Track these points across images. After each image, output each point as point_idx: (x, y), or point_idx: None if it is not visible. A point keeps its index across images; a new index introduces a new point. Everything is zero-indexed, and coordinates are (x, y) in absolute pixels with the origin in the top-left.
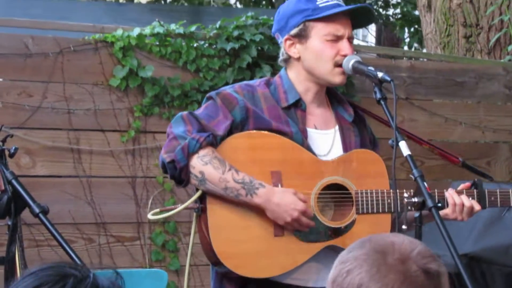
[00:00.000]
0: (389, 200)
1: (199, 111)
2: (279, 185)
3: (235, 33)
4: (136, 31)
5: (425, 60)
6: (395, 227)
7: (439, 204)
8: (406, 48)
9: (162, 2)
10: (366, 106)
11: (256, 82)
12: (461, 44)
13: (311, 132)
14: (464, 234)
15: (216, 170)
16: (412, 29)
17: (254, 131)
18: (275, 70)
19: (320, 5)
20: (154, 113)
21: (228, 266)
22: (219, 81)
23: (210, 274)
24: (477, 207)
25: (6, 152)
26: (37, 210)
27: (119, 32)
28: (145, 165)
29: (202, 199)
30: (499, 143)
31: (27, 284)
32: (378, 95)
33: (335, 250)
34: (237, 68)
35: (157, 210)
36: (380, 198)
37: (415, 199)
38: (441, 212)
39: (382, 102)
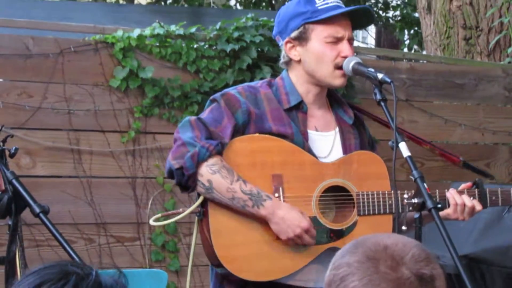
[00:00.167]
0: (390, 202)
1: (204, 115)
2: (280, 188)
3: (235, 34)
4: (136, 32)
5: (424, 62)
6: (395, 228)
7: (439, 205)
8: (406, 50)
9: (163, 3)
10: (366, 107)
11: (258, 83)
12: (460, 46)
13: (312, 134)
14: (464, 235)
15: (224, 180)
16: (412, 31)
17: (255, 134)
18: (275, 72)
19: (319, 7)
20: (154, 114)
21: (230, 270)
22: (219, 82)
23: (210, 275)
24: (478, 207)
25: (7, 152)
26: (37, 210)
27: (120, 33)
28: (145, 165)
29: (203, 203)
30: (499, 144)
31: (29, 282)
32: (378, 97)
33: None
34: (237, 70)
35: (159, 215)
36: (381, 199)
37: (415, 200)
38: (443, 212)
39: (382, 104)
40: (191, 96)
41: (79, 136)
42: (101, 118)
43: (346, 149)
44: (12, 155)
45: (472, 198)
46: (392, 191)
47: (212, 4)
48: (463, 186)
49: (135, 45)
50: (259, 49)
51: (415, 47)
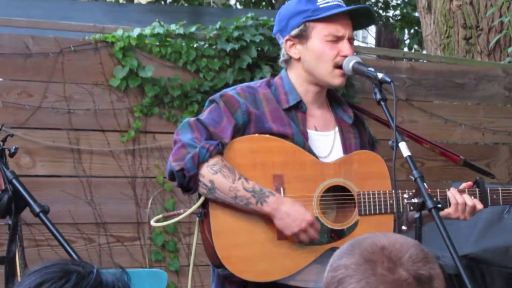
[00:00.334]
0: (391, 201)
1: (203, 116)
2: (281, 189)
3: (235, 33)
4: (136, 31)
5: (425, 61)
6: (395, 228)
7: (439, 205)
8: (406, 49)
9: (162, 2)
10: (366, 107)
11: (257, 83)
12: (461, 46)
13: (312, 133)
14: (464, 235)
15: (226, 179)
16: (412, 31)
17: (256, 135)
18: (275, 71)
19: (321, 6)
20: (154, 113)
21: (232, 270)
22: (219, 81)
23: (211, 276)
24: (479, 206)
25: (6, 152)
26: (37, 209)
27: (119, 32)
28: (145, 165)
29: (204, 204)
30: (499, 144)
31: (30, 281)
32: (378, 96)
33: None
34: (237, 69)
35: (160, 216)
36: (382, 199)
37: (415, 200)
38: (444, 212)
39: (382, 103)
40: (191, 95)
41: (79, 135)
42: (101, 118)
43: (346, 149)
44: (12, 155)
45: (473, 197)
46: (393, 191)
47: (212, 4)
48: (464, 185)
49: (135, 45)
50: (259, 49)
51: (415, 46)
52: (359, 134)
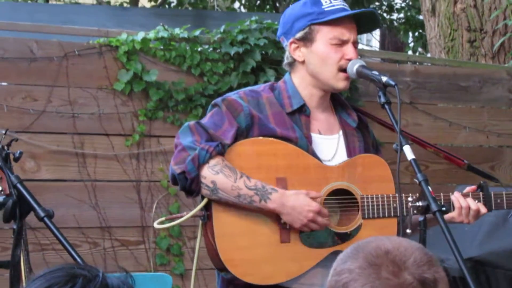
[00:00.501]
0: (394, 205)
1: (205, 120)
2: None
3: (239, 37)
4: (140, 35)
5: (429, 64)
6: (400, 232)
7: (444, 208)
8: (410, 52)
9: (167, 6)
10: (370, 110)
11: (260, 87)
12: (465, 49)
13: (315, 137)
14: (469, 238)
15: (228, 179)
16: (416, 34)
17: (259, 137)
18: (279, 74)
19: (326, 9)
20: (158, 117)
21: (235, 273)
22: (223, 85)
23: (216, 280)
24: (483, 209)
25: (11, 156)
26: (42, 214)
27: (124, 36)
28: (150, 169)
29: (207, 207)
30: (503, 147)
31: (37, 286)
32: (382, 99)
33: None
34: (241, 73)
35: (163, 218)
36: (385, 202)
37: (419, 203)
38: (447, 215)
39: (386, 106)
40: (195, 99)
41: (84, 139)
42: (106, 122)
43: (350, 152)
44: (16, 159)
45: (476, 201)
46: (397, 194)
47: (216, 7)
48: (467, 189)
49: (139, 48)
50: (263, 52)
51: (420, 49)
52: (363, 137)
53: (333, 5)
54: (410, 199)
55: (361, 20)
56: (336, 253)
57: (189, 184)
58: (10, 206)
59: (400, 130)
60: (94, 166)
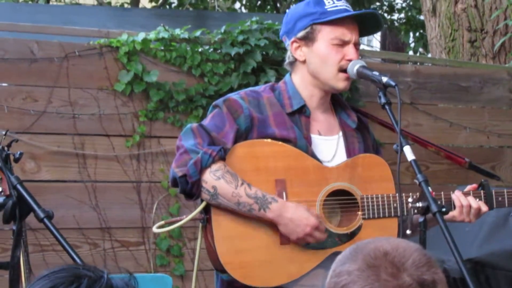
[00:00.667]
0: (395, 205)
1: (206, 122)
2: (284, 193)
3: (240, 38)
4: (141, 36)
5: (429, 64)
6: (400, 232)
7: (444, 209)
8: (411, 53)
9: (167, 7)
10: (370, 110)
11: (261, 88)
12: (466, 49)
13: (315, 138)
14: (469, 239)
15: (228, 185)
16: (417, 34)
17: (258, 139)
18: (279, 75)
19: (329, 9)
20: (159, 118)
21: (235, 276)
22: (224, 86)
23: (215, 281)
24: (484, 208)
25: (11, 157)
26: (42, 215)
27: (124, 37)
28: (150, 170)
29: (206, 210)
30: (504, 148)
31: (41, 286)
32: (383, 100)
33: None
34: (242, 73)
35: (162, 222)
36: (386, 202)
37: (419, 204)
38: (448, 215)
39: (387, 107)
40: (196, 100)
41: (84, 140)
42: (106, 122)
43: (350, 153)
44: (16, 160)
45: (478, 199)
46: (397, 194)
47: (216, 8)
48: (468, 187)
49: (139, 49)
50: (264, 53)
51: (420, 49)
52: (363, 138)
53: (336, 6)
54: (410, 199)
55: (364, 22)
56: (336, 254)
57: (190, 188)
58: (10, 207)
59: (400, 130)
60: (94, 167)
